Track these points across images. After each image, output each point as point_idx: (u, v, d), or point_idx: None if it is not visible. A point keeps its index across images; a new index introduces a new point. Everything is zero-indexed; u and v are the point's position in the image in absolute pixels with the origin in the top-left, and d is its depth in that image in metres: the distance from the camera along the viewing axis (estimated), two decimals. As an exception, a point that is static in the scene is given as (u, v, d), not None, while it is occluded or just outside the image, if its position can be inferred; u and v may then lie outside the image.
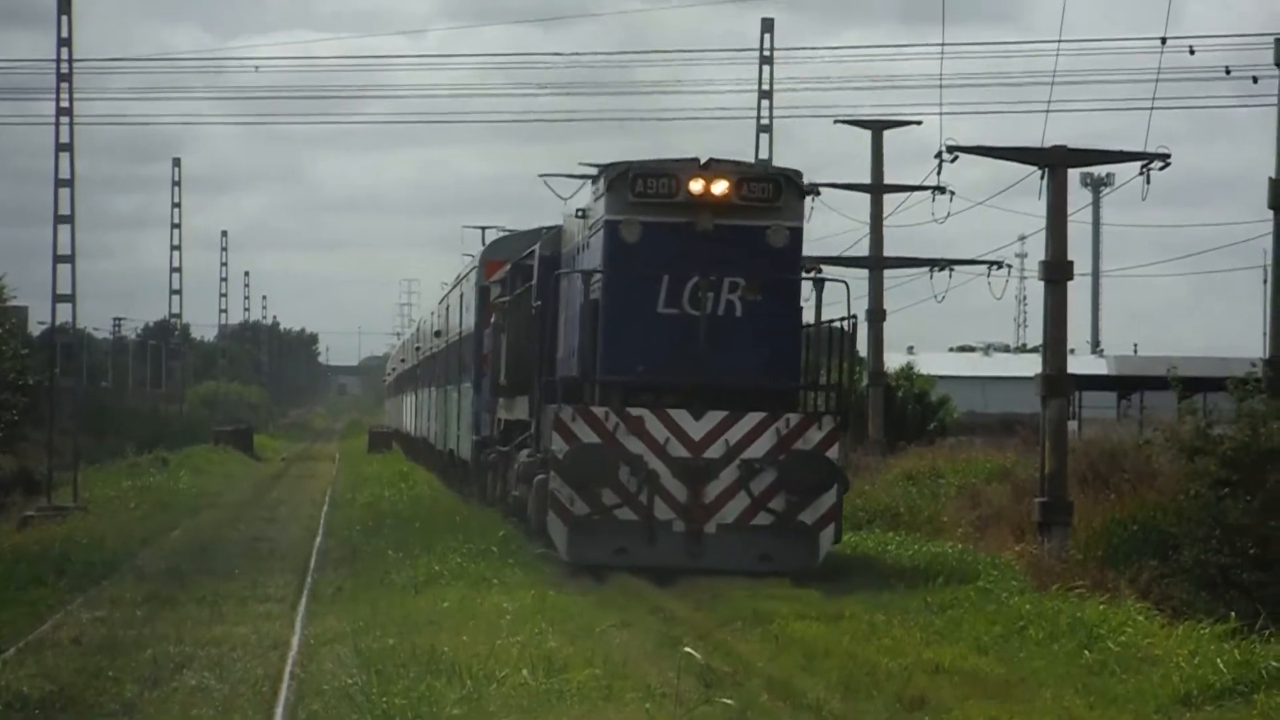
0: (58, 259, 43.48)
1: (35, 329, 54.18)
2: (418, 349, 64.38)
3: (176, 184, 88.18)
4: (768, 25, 50.68)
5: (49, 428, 43.48)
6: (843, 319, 26.06)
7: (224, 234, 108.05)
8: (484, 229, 54.49)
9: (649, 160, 25.47)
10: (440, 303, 54.45)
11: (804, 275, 25.99)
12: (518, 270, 32.78)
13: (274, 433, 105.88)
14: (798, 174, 25.81)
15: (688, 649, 15.69)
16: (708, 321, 24.97)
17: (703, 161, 25.55)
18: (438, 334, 51.68)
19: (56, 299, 43.75)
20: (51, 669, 17.51)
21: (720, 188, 25.07)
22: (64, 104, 43.15)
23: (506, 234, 39.73)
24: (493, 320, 35.30)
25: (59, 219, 43.21)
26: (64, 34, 43.09)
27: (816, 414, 25.44)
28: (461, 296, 43.81)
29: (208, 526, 36.62)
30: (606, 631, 18.59)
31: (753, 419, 24.92)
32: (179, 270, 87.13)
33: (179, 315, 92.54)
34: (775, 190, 25.35)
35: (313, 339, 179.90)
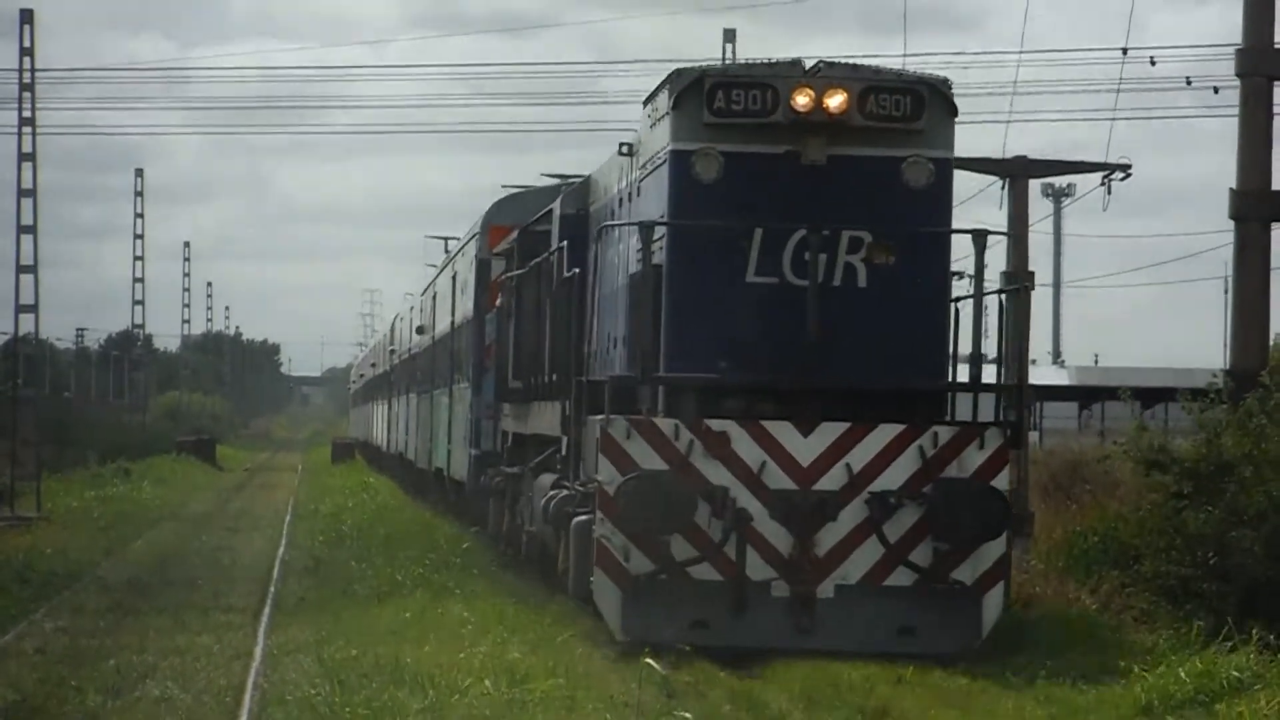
0: (20, 269, 43.34)
1: None
2: (391, 351, 58.62)
3: (139, 194, 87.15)
4: (730, 36, 46.33)
5: (11, 438, 43.58)
6: (1009, 288, 18.02)
7: (186, 244, 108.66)
8: (446, 239, 51.20)
9: (733, 64, 17.74)
10: (423, 293, 47.26)
11: (957, 229, 18.16)
12: (527, 238, 25.09)
13: (237, 443, 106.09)
14: (945, 82, 18.03)
15: (648, 660, 15.17)
16: (820, 295, 17.20)
17: (809, 66, 17.81)
18: (420, 330, 44.75)
19: (19, 309, 43.80)
20: (15, 678, 17.51)
21: (837, 101, 17.26)
22: (26, 114, 43.07)
23: (516, 191, 31.59)
24: (497, 303, 27.25)
25: (21, 229, 43.11)
26: (25, 44, 43.51)
27: (977, 425, 17.66)
28: (454, 277, 35.70)
29: (171, 537, 36.41)
30: (568, 642, 18.02)
31: (886, 434, 17.15)
32: (141, 281, 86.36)
33: (142, 326, 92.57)
34: (915, 105, 17.52)
35: (275, 349, 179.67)
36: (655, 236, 17.73)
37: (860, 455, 17.11)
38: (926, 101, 17.55)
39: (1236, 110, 23.22)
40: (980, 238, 17.68)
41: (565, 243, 21.81)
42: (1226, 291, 30.49)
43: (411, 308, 52.09)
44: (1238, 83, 23.22)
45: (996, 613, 17.31)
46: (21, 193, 42.82)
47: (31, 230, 42.82)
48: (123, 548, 32.83)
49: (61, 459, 56.60)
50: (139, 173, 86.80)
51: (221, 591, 24.93)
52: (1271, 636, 16.87)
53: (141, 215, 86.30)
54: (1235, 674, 15.60)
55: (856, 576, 17.05)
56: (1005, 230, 17.75)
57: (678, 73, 17.72)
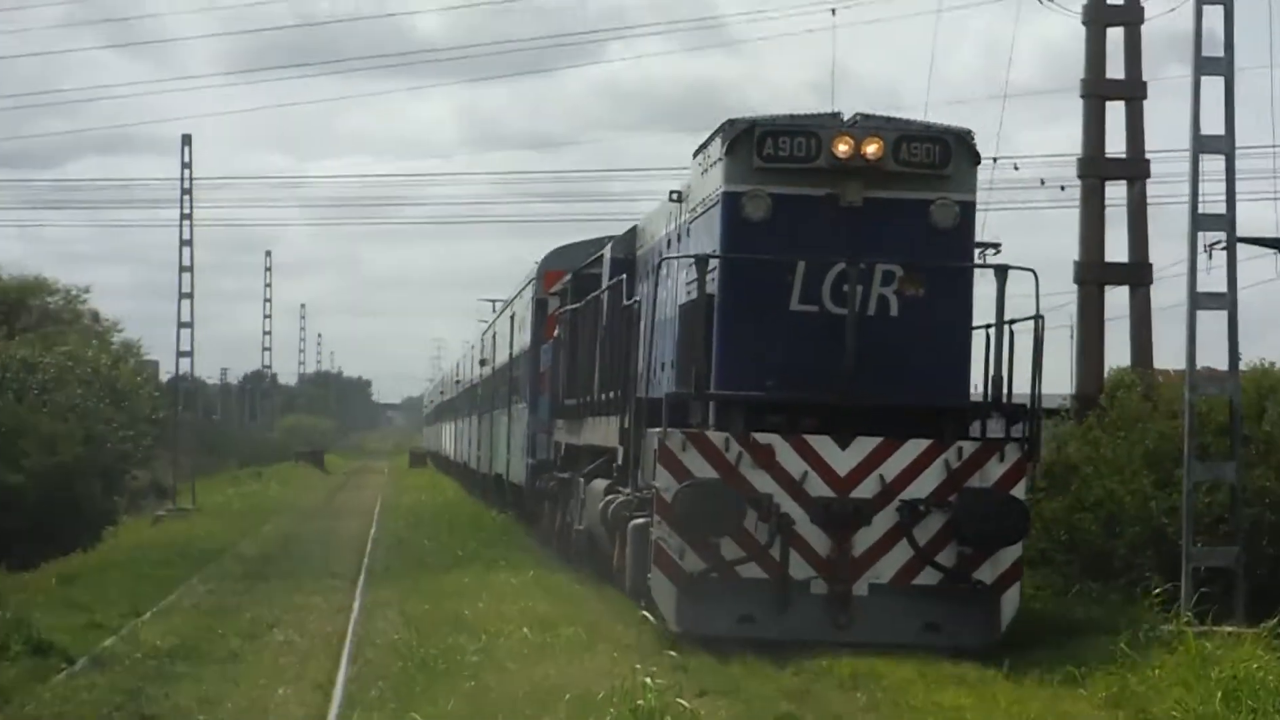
0: (180, 325, 56.83)
1: (164, 377, 68.25)
2: (457, 382, 73.28)
3: (268, 269, 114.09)
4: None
5: (174, 450, 55.73)
6: (1028, 318, 19.87)
7: (302, 305, 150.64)
8: (494, 301, 61.83)
9: (779, 115, 19.54)
10: (484, 333, 56.54)
11: (980, 263, 19.96)
12: (579, 281, 28.51)
13: (339, 453, 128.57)
14: (969, 134, 19.83)
15: (644, 613, 19.45)
16: (856, 322, 19.01)
17: (847, 118, 19.64)
18: (483, 362, 52.80)
19: (179, 355, 57.82)
20: (177, 627, 21.94)
21: (873, 149, 19.07)
22: (185, 211, 56.89)
23: (567, 244, 35.31)
24: (555, 334, 30.77)
25: (181, 295, 56.69)
26: (185, 159, 57.37)
27: (997, 441, 19.43)
28: (513, 317, 41.81)
29: (290, 523, 45.94)
30: (586, 599, 23.23)
31: (915, 448, 18.90)
32: (269, 333, 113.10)
33: (270, 366, 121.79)
34: (942, 153, 19.32)
35: (367, 383, 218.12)
36: (708, 269, 19.57)
37: (892, 467, 18.81)
38: (953, 150, 19.33)
39: (1078, 203, 30.79)
40: (1002, 273, 19.45)
41: (624, 275, 23.91)
42: (1071, 337, 35.82)
43: (473, 346, 62.26)
44: (1079, 183, 30.72)
45: (1014, 610, 19.04)
46: (181, 268, 56.25)
47: (189, 296, 56.48)
48: (255, 531, 41.67)
49: (210, 466, 73.79)
50: (268, 253, 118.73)
51: (329, 562, 31.95)
52: (1109, 593, 21.68)
53: (269, 285, 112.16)
54: (1080, 615, 20.42)
55: (888, 576, 18.74)
56: (1028, 266, 19.41)
57: (730, 123, 19.47)
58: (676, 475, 18.63)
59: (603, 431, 24.24)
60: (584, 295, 27.48)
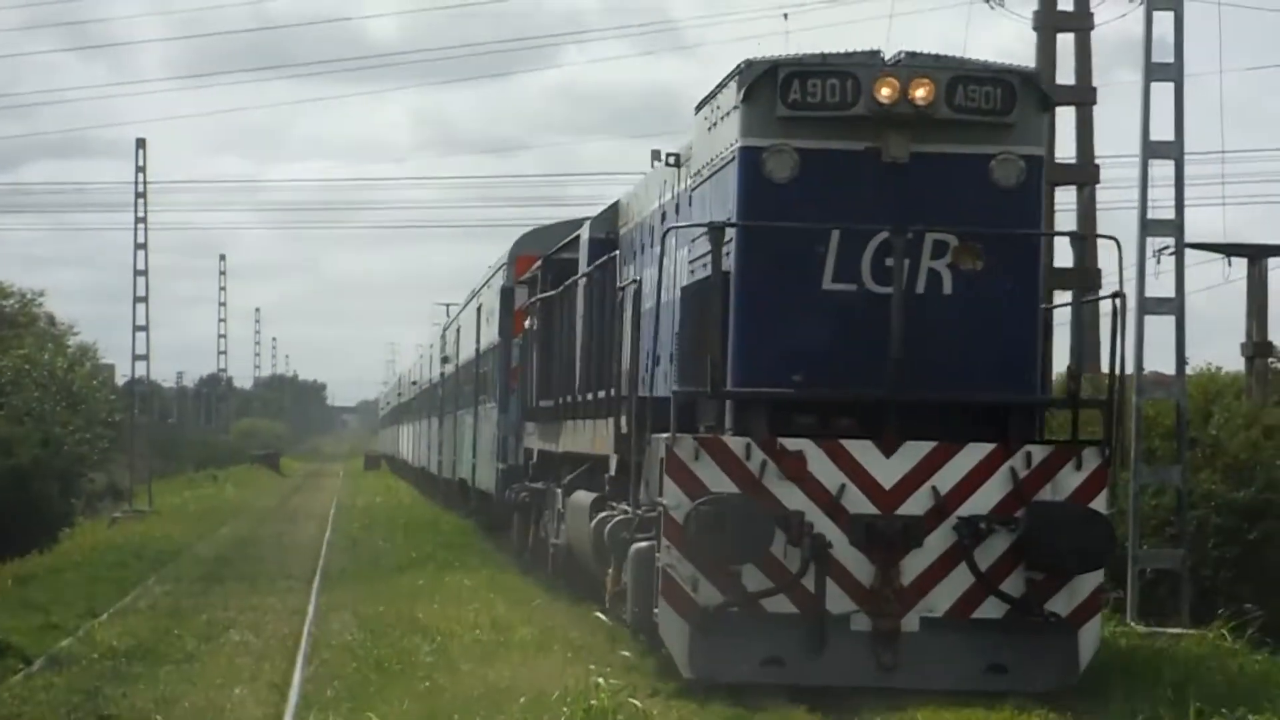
0: (136, 328, 57.34)
1: (120, 380, 69.67)
2: (414, 383, 70.65)
3: (222, 273, 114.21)
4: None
5: (130, 452, 57.06)
6: (1105, 296, 16.38)
7: (257, 310, 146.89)
8: (448, 305, 62.82)
9: (808, 55, 16.18)
10: (446, 327, 53.70)
11: (1051, 230, 16.58)
12: (552, 266, 25.16)
13: (294, 456, 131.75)
14: (1036, 74, 16.50)
15: (598, 613, 19.87)
16: (903, 301, 15.63)
17: (889, 58, 16.28)
18: (445, 360, 49.75)
19: (135, 358, 57.88)
20: (134, 628, 22.05)
21: (923, 92, 15.71)
22: (140, 215, 57.95)
23: (543, 226, 32.49)
24: (527, 325, 27.59)
25: (137, 299, 57.37)
26: (140, 163, 58.13)
27: (1074, 444, 16.08)
28: (479, 309, 38.26)
29: (246, 524, 46.63)
30: (540, 601, 22.99)
31: (975, 454, 15.51)
32: (224, 336, 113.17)
33: (225, 370, 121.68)
34: (1005, 97, 15.92)
35: (322, 386, 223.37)
36: (725, 241, 16.18)
37: (947, 477, 15.44)
38: (1018, 93, 15.94)
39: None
40: (1079, 241, 16.07)
41: (616, 253, 20.57)
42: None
43: (432, 345, 60.27)
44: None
45: (1094, 647, 15.75)
46: (137, 272, 57.33)
47: (144, 300, 57.33)
48: (211, 533, 42.41)
49: (166, 468, 74.76)
50: (222, 258, 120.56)
51: (284, 564, 32.59)
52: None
53: (224, 289, 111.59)
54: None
55: (943, 608, 15.40)
56: (1109, 234, 15.95)
57: (748, 63, 16.03)
58: (688, 490, 15.27)
59: (587, 437, 20.96)
60: (558, 283, 24.35)
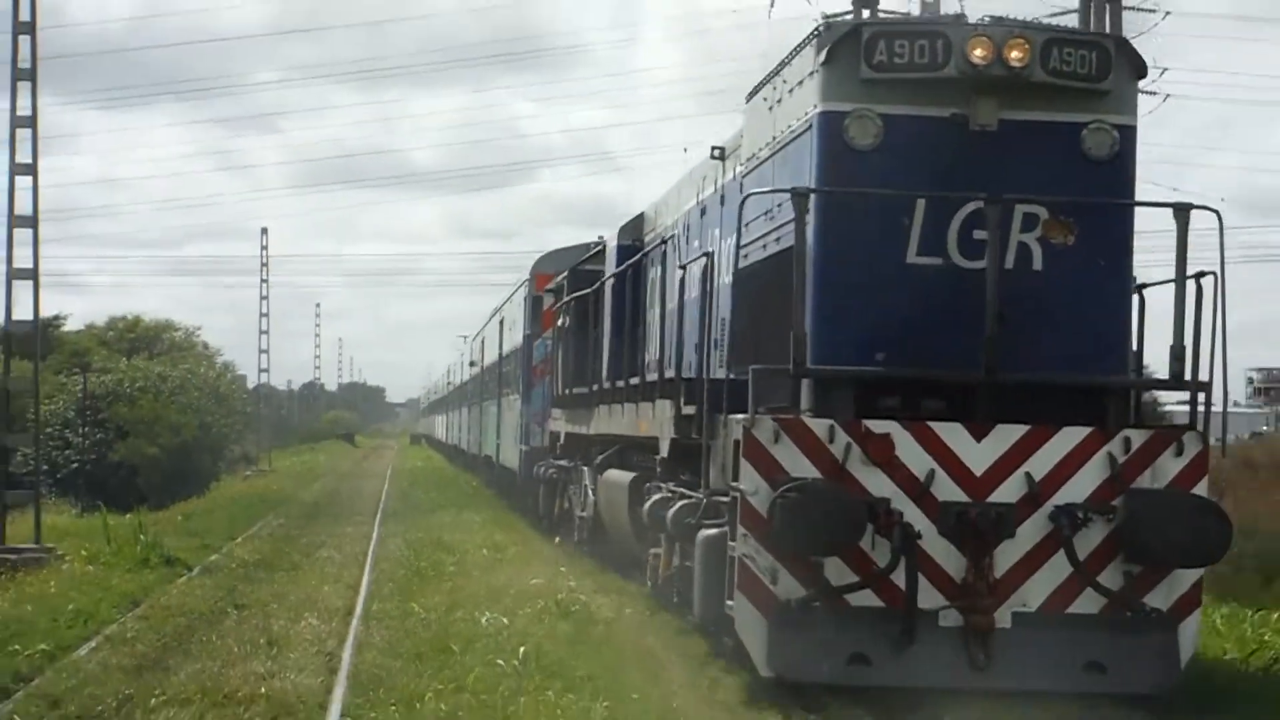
0: (260, 351, 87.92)
1: (249, 385, 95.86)
2: (448, 384, 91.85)
3: (317, 316, 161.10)
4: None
5: (257, 432, 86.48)
6: (1203, 274, 15.27)
7: (339, 339, 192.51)
8: (465, 336, 78.92)
9: (894, 15, 15.08)
10: (472, 339, 65.52)
11: (1152, 201, 15.49)
12: (576, 275, 27.74)
13: (365, 435, 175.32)
14: (1127, 41, 15.44)
15: (558, 538, 29.08)
16: (997, 278, 14.42)
17: (976, 20, 15.17)
18: (472, 364, 61.58)
19: (259, 371, 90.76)
20: (257, 547, 31.67)
21: (1018, 54, 14.60)
22: (264, 277, 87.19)
23: (557, 249, 36.98)
24: (558, 323, 29.59)
25: (261, 332, 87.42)
26: (264, 243, 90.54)
27: (1174, 429, 14.93)
28: (501, 321, 46.32)
29: (332, 480, 66.56)
30: (526, 532, 32.29)
31: (1070, 438, 14.37)
32: (318, 357, 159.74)
33: (319, 378, 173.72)
34: (1100, 62, 14.79)
35: (382, 389, 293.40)
36: (780, 223, 15.16)
37: (1042, 462, 14.28)
38: (1113, 58, 14.88)
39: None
40: (1183, 213, 14.89)
41: (670, 239, 20.44)
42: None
43: (462, 354, 76.91)
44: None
45: (1194, 644, 14.65)
46: (260, 314, 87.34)
47: (266, 333, 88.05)
48: (308, 485, 60.92)
49: (279, 442, 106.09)
50: (317, 305, 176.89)
51: (357, 505, 46.81)
52: None
53: (318, 325, 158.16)
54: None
55: (1037, 603, 14.24)
56: (1210, 205, 14.83)
57: (827, 25, 14.95)
58: (766, 474, 14.09)
59: (627, 420, 20.67)
60: (578, 290, 26.68)
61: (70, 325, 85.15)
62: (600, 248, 27.98)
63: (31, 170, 28.62)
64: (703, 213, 19.24)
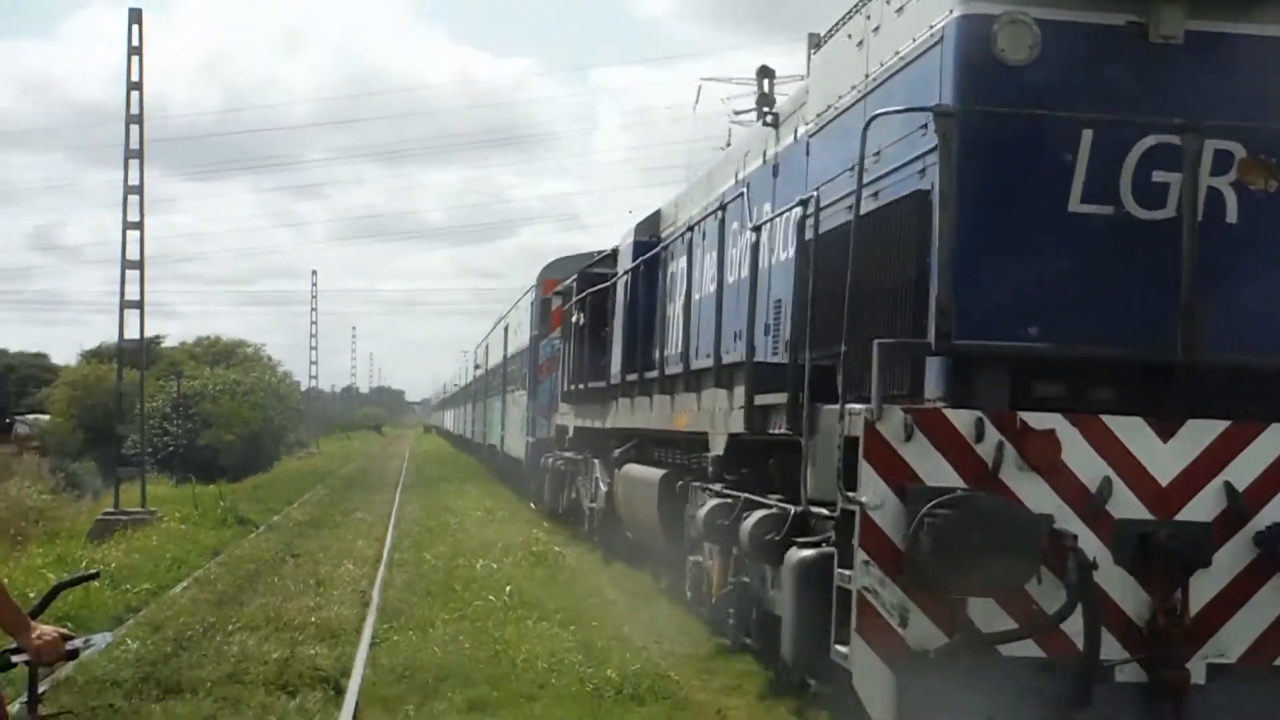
0: (311, 362, 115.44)
1: (304, 388, 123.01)
2: (456, 385, 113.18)
3: (354, 337, 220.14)
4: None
5: (308, 424, 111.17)
6: None
7: (371, 353, 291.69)
8: (466, 351, 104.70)
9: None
10: (478, 346, 74.53)
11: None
12: (585, 277, 28.30)
13: (390, 426, 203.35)
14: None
15: (532, 504, 37.67)
16: (1195, 232, 10.96)
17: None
18: (477, 367, 72.51)
19: (310, 377, 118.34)
20: (310, 511, 40.27)
21: (1210, -46, 11.25)
22: (313, 307, 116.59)
23: (563, 257, 38.96)
24: (566, 323, 30.50)
25: (311, 347, 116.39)
26: (313, 281, 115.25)
27: None
28: (506, 327, 51.54)
29: (364, 460, 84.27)
30: (510, 500, 42.30)
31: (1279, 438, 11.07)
32: (354, 366, 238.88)
33: (355, 383, 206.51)
34: (1312, -35, 11.51)
35: (402, 391, 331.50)
36: (890, 167, 11.87)
37: (1245, 469, 10.85)
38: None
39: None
40: None
41: (695, 227, 18.81)
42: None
43: (465, 362, 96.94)
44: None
45: None
46: (310, 335, 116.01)
47: (314, 348, 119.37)
48: (346, 464, 76.33)
49: (324, 432, 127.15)
50: (354, 328, 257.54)
51: (383, 479, 58.91)
52: None
53: (354, 343, 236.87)
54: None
55: (1237, 652, 10.85)
56: None
57: (962, -93, 11.68)
58: (894, 482, 10.59)
59: (656, 413, 19.63)
60: (586, 290, 27.30)
61: (168, 343, 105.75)
62: (606, 253, 28.45)
63: (139, 226, 38.36)
64: (747, 189, 15.87)
